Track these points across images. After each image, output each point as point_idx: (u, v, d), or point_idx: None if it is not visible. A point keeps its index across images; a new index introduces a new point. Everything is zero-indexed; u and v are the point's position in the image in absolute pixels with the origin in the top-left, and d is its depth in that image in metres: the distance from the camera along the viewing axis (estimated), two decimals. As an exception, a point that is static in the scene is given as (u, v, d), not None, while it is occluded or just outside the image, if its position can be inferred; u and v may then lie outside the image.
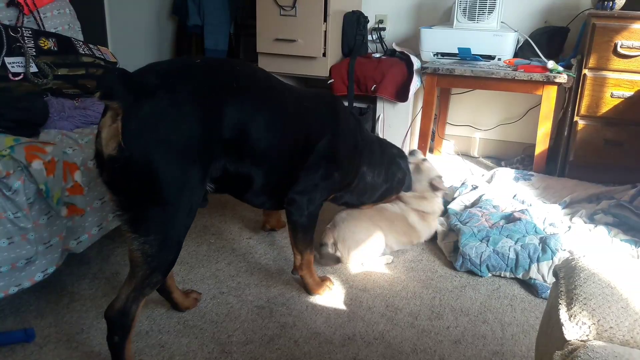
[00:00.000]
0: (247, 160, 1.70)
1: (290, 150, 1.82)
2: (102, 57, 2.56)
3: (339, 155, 1.96)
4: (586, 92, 2.77)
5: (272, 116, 1.73)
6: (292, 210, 1.91)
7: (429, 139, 3.13)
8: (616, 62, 2.68)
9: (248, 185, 1.78)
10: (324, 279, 2.11)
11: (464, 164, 3.46)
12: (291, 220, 1.94)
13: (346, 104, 3.20)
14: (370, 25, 3.48)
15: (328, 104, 2.00)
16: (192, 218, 1.59)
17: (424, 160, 2.58)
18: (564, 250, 2.10)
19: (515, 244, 2.18)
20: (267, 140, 1.72)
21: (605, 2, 2.70)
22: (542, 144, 2.91)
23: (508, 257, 2.14)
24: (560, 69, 2.74)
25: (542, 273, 2.08)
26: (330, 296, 2.04)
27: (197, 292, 2.01)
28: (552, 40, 3.05)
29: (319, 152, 1.87)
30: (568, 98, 2.97)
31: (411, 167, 2.43)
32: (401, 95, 3.05)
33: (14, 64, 2.25)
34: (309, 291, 2.06)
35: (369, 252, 2.22)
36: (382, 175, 2.23)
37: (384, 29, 3.53)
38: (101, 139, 1.45)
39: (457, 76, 2.89)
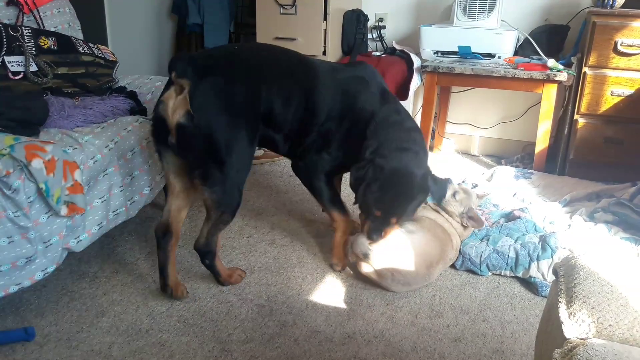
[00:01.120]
0: (272, 128, 2.01)
1: (307, 122, 2.04)
2: (101, 56, 2.56)
3: (343, 133, 2.07)
4: (586, 90, 2.77)
5: (293, 95, 2.00)
6: (297, 174, 2.21)
7: (429, 137, 3.13)
8: (616, 60, 2.68)
9: (276, 146, 2.12)
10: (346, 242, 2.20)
11: (464, 162, 3.46)
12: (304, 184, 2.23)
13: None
14: (370, 23, 3.48)
15: (353, 85, 2.09)
16: (247, 172, 1.97)
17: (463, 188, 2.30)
18: (564, 248, 2.10)
19: (515, 242, 2.18)
20: (288, 114, 2.00)
21: (606, 0, 2.70)
22: (542, 142, 2.91)
23: (508, 255, 2.14)
24: (561, 67, 2.74)
25: (542, 271, 2.08)
26: (330, 294, 2.04)
27: (242, 270, 2.17)
28: (552, 39, 3.05)
29: (326, 127, 2.05)
30: (568, 96, 2.97)
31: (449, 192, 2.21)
32: (401, 93, 3.05)
33: (14, 63, 2.26)
34: (333, 251, 2.24)
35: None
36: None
37: (384, 27, 3.53)
38: (167, 108, 1.80)
39: (457, 74, 2.89)
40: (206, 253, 1.99)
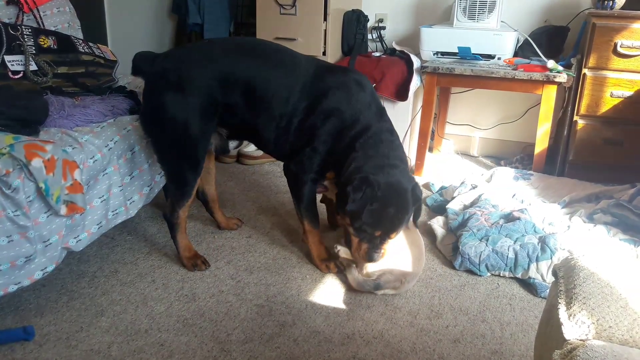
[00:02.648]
0: (243, 118, 2.08)
1: (291, 117, 2.05)
2: (101, 55, 2.56)
3: (329, 130, 2.02)
4: (586, 92, 2.77)
5: (275, 88, 2.03)
6: (288, 180, 2.17)
7: (428, 138, 3.14)
8: (616, 62, 2.68)
9: (253, 137, 2.19)
10: (329, 259, 2.19)
11: (463, 163, 3.46)
12: (289, 188, 2.18)
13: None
14: (370, 24, 3.48)
15: (350, 87, 2.06)
16: (196, 162, 2.07)
17: None
18: (563, 249, 2.10)
19: (514, 243, 2.18)
20: (265, 107, 2.04)
21: (605, 2, 2.71)
22: (541, 144, 2.91)
23: (507, 256, 2.14)
24: (560, 68, 2.74)
25: (541, 272, 2.08)
26: (330, 295, 2.04)
27: (238, 219, 2.51)
28: (552, 40, 3.05)
29: (311, 123, 2.03)
30: (568, 97, 2.97)
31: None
32: (401, 94, 3.05)
33: (14, 62, 2.25)
34: (313, 262, 2.23)
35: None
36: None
37: (384, 27, 3.53)
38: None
39: (457, 75, 2.89)
40: (169, 223, 2.17)
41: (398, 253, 2.03)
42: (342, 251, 2.08)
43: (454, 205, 2.62)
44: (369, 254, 1.93)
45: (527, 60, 2.90)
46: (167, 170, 2.12)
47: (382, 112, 2.10)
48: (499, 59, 2.98)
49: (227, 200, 2.77)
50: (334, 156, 2.03)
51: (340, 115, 2.01)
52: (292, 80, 2.04)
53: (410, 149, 3.25)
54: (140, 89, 2.55)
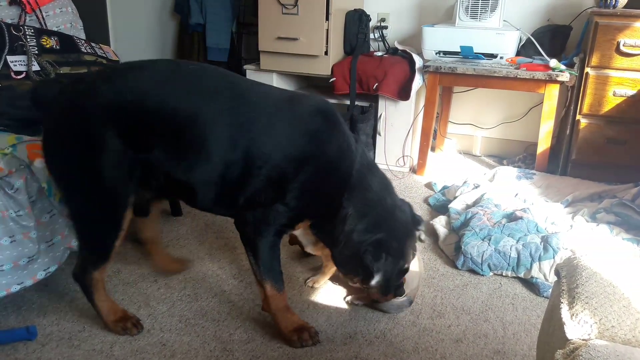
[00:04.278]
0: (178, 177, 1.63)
1: (245, 166, 1.60)
2: (104, 55, 2.56)
3: (296, 183, 1.62)
4: (588, 91, 2.76)
5: (214, 130, 1.59)
6: (245, 237, 1.72)
7: (430, 137, 3.13)
8: (619, 61, 2.68)
9: (190, 197, 1.70)
10: (301, 327, 1.76)
11: (465, 162, 3.46)
12: (245, 247, 1.74)
13: (348, 102, 3.20)
14: (372, 23, 3.47)
15: (300, 120, 1.66)
16: (115, 225, 1.65)
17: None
18: (566, 249, 2.10)
19: (516, 242, 2.18)
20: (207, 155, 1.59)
21: (608, 1, 2.70)
22: (544, 143, 2.90)
23: (510, 256, 2.14)
24: (563, 67, 2.74)
25: (544, 272, 2.08)
26: (332, 294, 2.04)
27: (186, 261, 2.06)
28: (554, 39, 3.05)
29: (267, 175, 1.60)
30: (570, 97, 2.96)
31: None
32: (403, 93, 3.05)
33: (16, 62, 2.26)
34: (282, 336, 1.76)
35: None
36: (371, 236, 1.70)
37: (386, 27, 3.53)
38: None
39: (459, 75, 2.89)
40: (82, 286, 1.77)
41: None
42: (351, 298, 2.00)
43: (456, 205, 2.61)
44: (397, 293, 1.84)
45: (529, 60, 2.90)
46: (78, 227, 1.68)
47: (354, 142, 1.74)
48: (501, 58, 2.97)
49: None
50: (312, 210, 1.72)
51: (316, 162, 1.64)
52: (240, 118, 1.59)
53: (412, 148, 3.24)
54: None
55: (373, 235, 1.68)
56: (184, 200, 1.79)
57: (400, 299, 1.89)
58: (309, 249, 2.00)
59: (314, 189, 1.66)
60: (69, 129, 1.57)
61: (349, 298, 1.99)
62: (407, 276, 1.87)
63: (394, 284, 1.79)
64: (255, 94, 1.66)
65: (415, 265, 2.01)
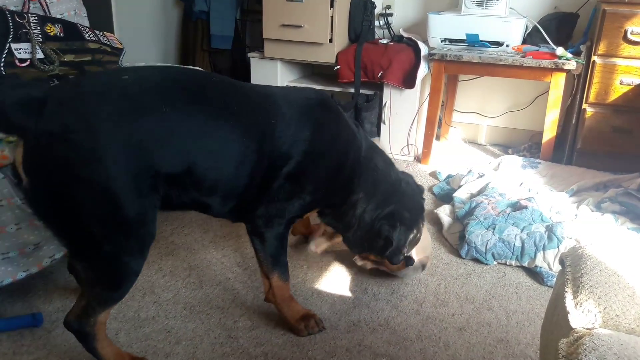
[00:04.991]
0: (193, 193, 1.48)
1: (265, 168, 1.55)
2: (108, 43, 2.55)
3: (314, 177, 1.65)
4: (595, 79, 2.74)
5: (215, 141, 1.46)
6: (255, 230, 1.68)
7: (435, 126, 3.12)
8: (626, 49, 2.65)
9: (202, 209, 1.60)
10: (306, 315, 1.78)
11: (470, 151, 3.45)
12: (254, 239, 1.70)
13: (352, 90, 3.19)
14: (377, 10, 3.45)
15: (308, 114, 1.63)
16: (142, 247, 1.42)
17: None
18: (570, 238, 2.10)
19: (521, 232, 2.17)
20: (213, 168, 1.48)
21: (616, -12, 2.67)
22: (549, 132, 2.89)
23: (514, 245, 2.14)
24: (569, 55, 2.71)
25: (548, 261, 2.08)
26: (336, 283, 2.05)
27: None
28: (561, 27, 3.02)
29: (287, 173, 1.58)
30: (577, 85, 2.94)
31: None
32: (408, 81, 3.03)
33: (21, 50, 2.25)
34: (288, 325, 1.77)
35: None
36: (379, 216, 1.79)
37: (391, 14, 3.50)
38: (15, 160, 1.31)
39: (464, 63, 2.87)
40: (80, 333, 1.49)
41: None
42: (360, 260, 2.03)
43: (460, 194, 2.61)
44: (409, 263, 1.92)
45: (535, 48, 2.87)
46: (91, 268, 1.41)
47: (355, 127, 1.78)
48: (507, 46, 2.95)
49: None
50: (325, 200, 1.75)
51: (330, 153, 1.67)
52: (253, 131, 1.52)
53: (417, 136, 3.23)
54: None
55: (385, 209, 1.77)
56: (195, 210, 1.63)
57: (414, 267, 1.98)
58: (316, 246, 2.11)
59: (328, 179, 1.69)
60: (82, 147, 1.26)
61: (360, 263, 2.02)
62: (420, 242, 1.95)
63: (407, 253, 1.86)
64: (254, 97, 1.59)
65: (425, 233, 2.05)
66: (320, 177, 1.66)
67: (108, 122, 1.28)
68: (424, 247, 2.04)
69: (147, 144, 1.33)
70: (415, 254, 1.99)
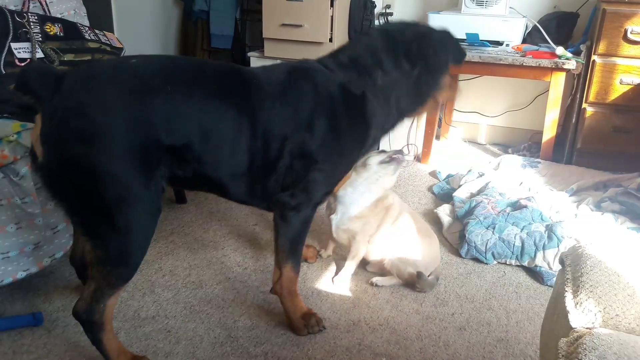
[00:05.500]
0: (202, 167, 1.52)
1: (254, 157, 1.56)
2: (108, 42, 2.55)
3: (327, 141, 1.62)
4: (595, 79, 2.74)
5: (220, 118, 1.52)
6: (281, 213, 1.67)
7: (435, 125, 3.12)
8: (626, 48, 2.65)
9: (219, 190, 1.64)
10: (308, 313, 1.78)
11: (470, 151, 3.45)
12: (279, 223, 1.69)
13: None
14: (377, 10, 3.45)
15: (287, 81, 1.61)
16: (148, 226, 1.47)
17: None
18: (570, 238, 2.10)
19: (521, 231, 2.17)
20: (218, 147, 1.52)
21: (616, -13, 2.67)
22: (549, 131, 2.89)
23: (514, 244, 2.14)
24: (569, 55, 2.71)
25: (548, 261, 2.08)
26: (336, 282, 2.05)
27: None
28: (561, 26, 3.02)
29: (289, 150, 1.58)
30: (576, 85, 2.94)
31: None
32: (408, 81, 3.03)
33: (20, 49, 2.25)
34: (289, 321, 1.77)
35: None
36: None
37: (391, 14, 3.50)
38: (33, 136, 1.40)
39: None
40: (88, 323, 1.50)
41: (409, 242, 2.03)
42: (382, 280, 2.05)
43: (460, 193, 2.61)
44: (420, 278, 1.95)
45: (535, 47, 2.87)
46: (101, 244, 1.44)
47: (341, 70, 1.68)
48: (507, 45, 2.95)
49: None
50: (345, 164, 1.77)
51: (329, 114, 1.64)
52: (256, 105, 1.55)
53: (417, 136, 3.23)
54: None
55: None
56: (209, 191, 1.71)
57: (430, 278, 1.98)
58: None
59: (339, 138, 1.64)
60: (93, 124, 1.35)
61: (375, 279, 2.02)
62: (430, 257, 2.01)
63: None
64: (245, 77, 1.60)
65: (435, 242, 2.06)
66: (327, 140, 1.61)
67: (119, 99, 1.38)
68: (435, 258, 2.05)
69: (154, 120, 1.40)
70: (427, 267, 2.00)
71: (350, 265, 2.03)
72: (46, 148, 1.35)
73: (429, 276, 1.98)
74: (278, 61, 3.31)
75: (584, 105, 2.81)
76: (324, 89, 1.62)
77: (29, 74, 1.38)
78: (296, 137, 1.57)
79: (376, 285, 2.01)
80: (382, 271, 2.05)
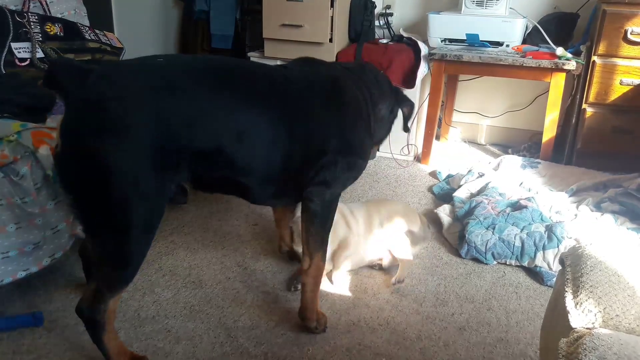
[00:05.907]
0: (227, 170, 1.54)
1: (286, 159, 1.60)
2: (108, 42, 2.56)
3: (358, 141, 1.76)
4: (595, 80, 2.74)
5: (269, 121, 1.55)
6: (309, 207, 1.70)
7: (435, 125, 3.12)
8: (626, 49, 2.65)
9: (240, 191, 1.67)
10: (319, 311, 1.80)
11: (470, 151, 3.45)
12: (307, 216, 1.71)
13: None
14: (377, 10, 3.45)
15: (328, 87, 1.72)
16: (149, 231, 1.45)
17: None
18: (570, 238, 2.10)
19: (521, 231, 2.17)
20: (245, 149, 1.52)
21: (616, -12, 2.67)
22: (549, 132, 2.89)
23: (514, 244, 2.14)
24: (569, 55, 2.71)
25: (548, 261, 2.08)
26: (336, 282, 2.05)
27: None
28: (561, 27, 3.02)
29: (330, 150, 1.66)
30: (576, 85, 2.94)
31: None
32: (408, 81, 3.03)
33: (21, 49, 2.26)
34: (304, 311, 1.76)
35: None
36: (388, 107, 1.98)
37: (391, 14, 3.50)
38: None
39: (464, 62, 2.87)
40: (90, 321, 1.50)
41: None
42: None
43: (460, 194, 2.61)
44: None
45: (535, 48, 2.87)
46: (102, 243, 1.44)
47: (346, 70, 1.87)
48: (507, 46, 2.95)
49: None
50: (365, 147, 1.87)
51: (347, 114, 1.75)
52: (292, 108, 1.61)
53: (417, 136, 3.23)
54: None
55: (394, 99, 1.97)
56: (233, 194, 1.72)
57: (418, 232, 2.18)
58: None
59: (358, 131, 1.76)
60: (112, 119, 1.33)
61: (393, 280, 2.02)
62: (406, 215, 2.16)
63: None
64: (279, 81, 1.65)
65: (406, 209, 2.23)
66: (350, 135, 1.72)
67: (140, 96, 1.36)
68: (412, 221, 2.17)
69: (175, 120, 1.39)
70: (407, 224, 2.14)
71: (339, 272, 2.06)
72: (63, 139, 1.36)
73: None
74: (278, 62, 3.33)
75: (583, 105, 2.82)
76: (362, 98, 1.80)
77: (56, 69, 1.39)
78: (339, 135, 1.68)
79: (399, 283, 2.01)
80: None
